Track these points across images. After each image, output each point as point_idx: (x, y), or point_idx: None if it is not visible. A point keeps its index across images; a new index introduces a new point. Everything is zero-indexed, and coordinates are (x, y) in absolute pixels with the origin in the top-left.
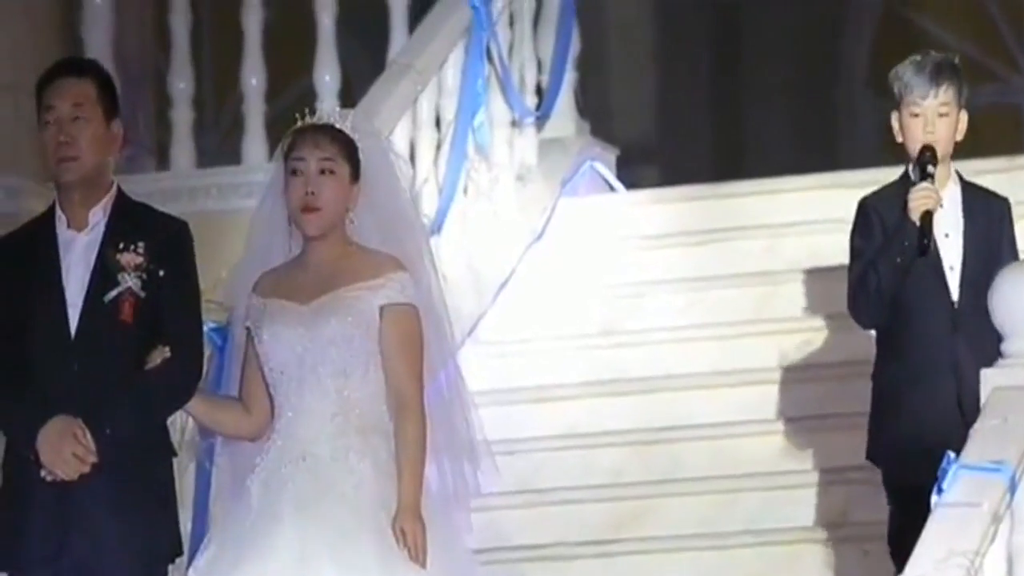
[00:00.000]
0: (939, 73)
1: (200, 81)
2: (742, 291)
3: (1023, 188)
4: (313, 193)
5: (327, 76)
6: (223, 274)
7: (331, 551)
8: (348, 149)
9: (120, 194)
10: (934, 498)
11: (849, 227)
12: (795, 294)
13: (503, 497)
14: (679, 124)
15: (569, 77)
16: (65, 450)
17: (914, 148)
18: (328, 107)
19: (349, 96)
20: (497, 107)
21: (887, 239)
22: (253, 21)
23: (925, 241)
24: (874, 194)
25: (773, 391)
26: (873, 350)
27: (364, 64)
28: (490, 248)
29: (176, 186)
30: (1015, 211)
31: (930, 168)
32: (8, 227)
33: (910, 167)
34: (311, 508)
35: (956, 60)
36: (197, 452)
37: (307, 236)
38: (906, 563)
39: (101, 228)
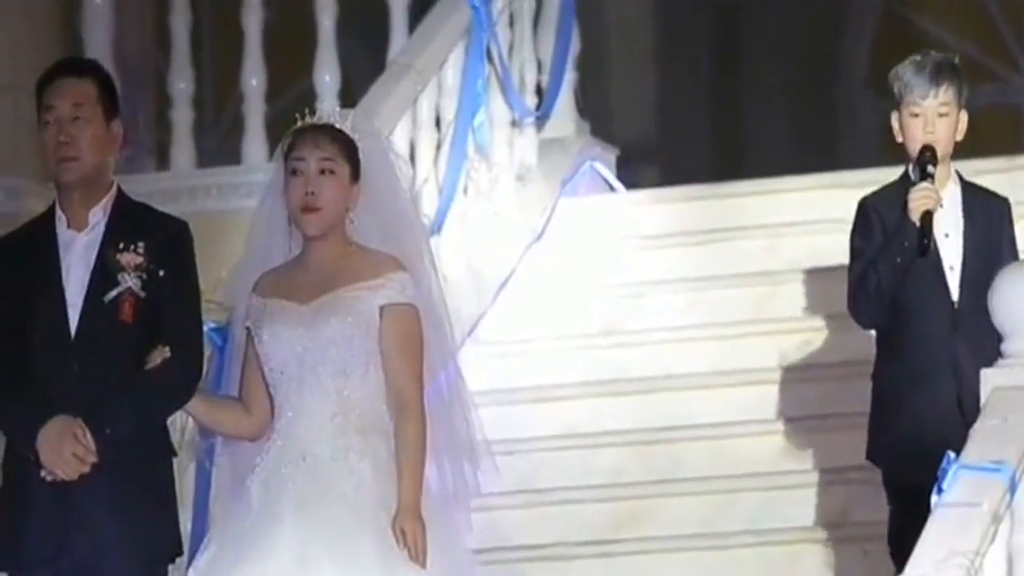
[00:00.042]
0: (939, 73)
1: (200, 81)
2: (742, 291)
3: (1023, 188)
4: (313, 193)
5: (327, 76)
6: (223, 274)
7: (331, 551)
8: (348, 149)
9: (120, 194)
10: (934, 498)
11: (849, 227)
12: (795, 294)
13: (503, 497)
14: (679, 124)
15: (569, 77)
16: (65, 450)
17: (914, 148)
18: (328, 107)
19: (349, 96)
20: (497, 107)
21: (887, 239)
22: (253, 21)
23: (925, 241)
24: (874, 194)
25: (773, 391)
26: (873, 350)
27: (364, 64)
28: (490, 248)
29: (176, 186)
30: (1015, 211)
31: (930, 168)
32: (8, 227)
33: (910, 167)
34: (311, 508)
35: (956, 60)
36: (197, 452)
37: (307, 236)
38: (906, 563)
39: (101, 228)
